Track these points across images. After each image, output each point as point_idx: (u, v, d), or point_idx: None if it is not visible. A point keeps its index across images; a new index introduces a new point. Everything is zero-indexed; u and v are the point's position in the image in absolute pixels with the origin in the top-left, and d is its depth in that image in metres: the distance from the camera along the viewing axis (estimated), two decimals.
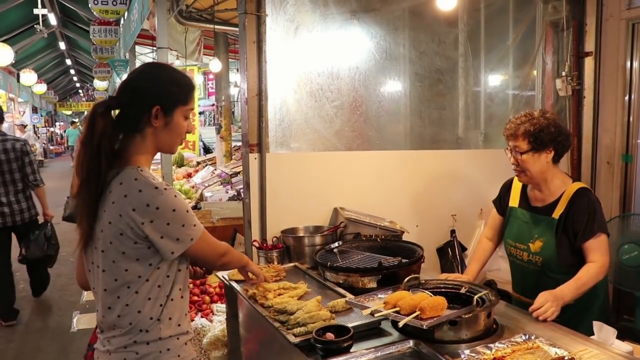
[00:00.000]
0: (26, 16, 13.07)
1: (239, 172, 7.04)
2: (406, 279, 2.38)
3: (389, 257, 2.82)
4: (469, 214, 4.02)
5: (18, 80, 17.58)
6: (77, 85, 33.49)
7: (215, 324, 3.66)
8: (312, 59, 3.51)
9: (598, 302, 2.69)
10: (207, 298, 4.37)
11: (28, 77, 16.79)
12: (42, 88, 20.57)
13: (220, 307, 3.99)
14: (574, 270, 2.54)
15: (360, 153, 3.70)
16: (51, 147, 30.43)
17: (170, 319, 1.87)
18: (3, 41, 12.32)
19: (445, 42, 4.09)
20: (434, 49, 4.03)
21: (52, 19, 13.35)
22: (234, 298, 3.03)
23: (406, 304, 2.05)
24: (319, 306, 2.27)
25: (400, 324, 1.93)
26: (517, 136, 2.61)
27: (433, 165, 3.87)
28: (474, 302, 2.15)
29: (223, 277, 2.94)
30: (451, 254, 3.93)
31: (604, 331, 2.18)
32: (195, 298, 4.40)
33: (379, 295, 2.30)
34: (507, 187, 2.94)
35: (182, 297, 1.92)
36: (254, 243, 3.24)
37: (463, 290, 2.40)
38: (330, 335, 1.98)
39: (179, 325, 1.90)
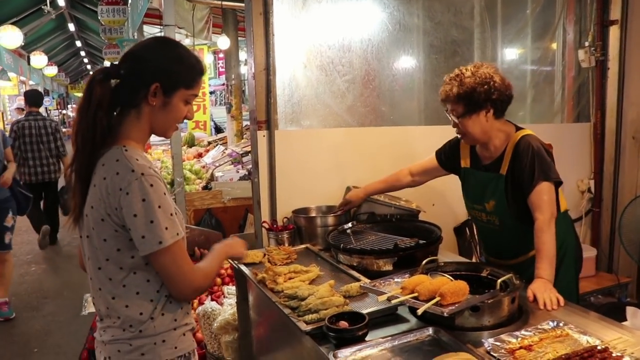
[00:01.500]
0: None
1: (249, 152, 6.90)
2: (424, 262, 2.25)
3: (405, 238, 2.68)
4: None
5: (29, 63, 17.49)
6: (88, 67, 33.36)
7: (226, 307, 3.56)
8: (322, 31, 3.34)
9: (568, 253, 2.62)
10: (219, 280, 4.29)
11: (38, 59, 16.67)
12: (53, 70, 20.50)
13: (232, 290, 3.89)
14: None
15: (373, 129, 3.55)
16: (63, 130, 30.43)
17: (163, 314, 1.71)
18: (12, 23, 12.19)
19: (462, 12, 3.89)
20: (449, 19, 3.83)
21: (60, 0, 13.19)
22: (243, 281, 2.92)
23: (425, 289, 1.91)
24: (332, 291, 2.14)
25: (420, 311, 1.80)
26: (450, 100, 2.47)
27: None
28: (497, 287, 2.00)
29: (231, 260, 2.82)
30: (469, 234, 3.79)
31: (638, 317, 2.03)
32: None
33: (396, 279, 2.17)
34: (455, 145, 2.80)
35: None
36: (264, 224, 3.12)
37: (484, 274, 2.26)
38: (343, 324, 1.86)
39: (175, 320, 1.75)
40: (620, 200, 4.30)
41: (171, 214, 1.62)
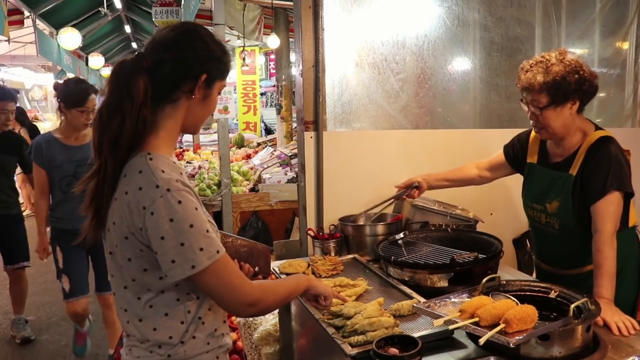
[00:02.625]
0: (93, 1, 13.20)
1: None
2: (484, 280, 2.02)
3: (462, 252, 2.45)
4: None
5: (87, 64, 17.95)
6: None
7: (268, 316, 3.40)
8: (375, 27, 3.12)
9: (629, 274, 2.36)
10: None
11: (96, 60, 17.11)
12: (108, 71, 21.00)
13: None
14: None
15: (428, 132, 3.30)
16: None
17: (194, 337, 1.53)
18: (72, 26, 12.50)
19: (525, 7, 3.60)
20: (512, 14, 3.54)
21: (117, 2, 13.45)
22: None
23: (487, 313, 1.68)
24: (381, 310, 1.93)
25: (482, 341, 1.57)
26: (532, 89, 2.21)
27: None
28: (571, 313, 1.75)
29: (274, 269, 2.65)
30: (529, 246, 3.49)
31: None
32: None
33: (452, 299, 1.94)
34: (524, 140, 2.58)
35: (213, 312, 1.59)
36: (309, 232, 2.93)
37: (553, 295, 2.01)
38: (394, 350, 1.64)
39: (208, 343, 1.57)
40: None
41: (207, 231, 1.42)
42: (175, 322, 1.51)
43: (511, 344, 1.56)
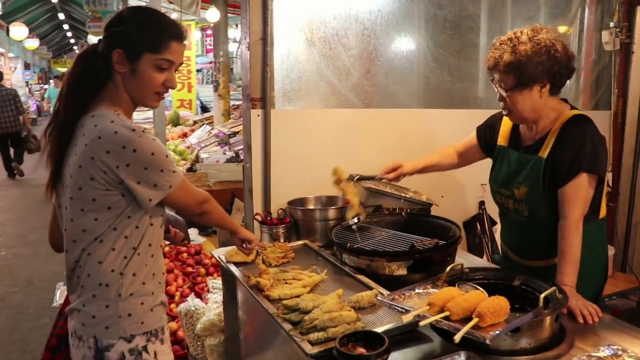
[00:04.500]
0: None
1: (237, 132, 6.61)
2: (448, 269, 1.91)
3: (419, 237, 2.34)
4: None
5: (7, 34, 16.83)
6: (72, 41, 32.54)
7: (211, 304, 3.21)
8: None
9: (596, 268, 2.29)
10: (202, 270, 3.96)
11: (18, 30, 16.05)
12: (34, 43, 19.84)
13: (216, 284, 3.55)
14: None
15: (380, 111, 3.17)
16: (45, 105, 29.66)
17: (134, 275, 1.71)
18: None
19: None
20: None
21: None
22: (231, 279, 2.57)
23: (458, 307, 1.57)
24: (341, 303, 1.79)
25: (457, 338, 1.45)
26: (498, 69, 2.05)
27: (462, 126, 3.29)
28: (541, 303, 1.67)
29: (220, 257, 2.46)
30: (479, 229, 3.47)
31: None
32: (190, 269, 4.01)
33: (417, 290, 1.82)
34: (497, 121, 2.42)
35: (152, 255, 1.76)
36: (257, 216, 2.75)
37: (517, 283, 1.93)
38: (360, 350, 1.51)
39: (144, 283, 1.73)
40: (639, 195, 4.00)
41: (168, 156, 1.68)
42: (119, 257, 1.69)
43: (487, 340, 1.45)
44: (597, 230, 2.23)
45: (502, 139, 2.36)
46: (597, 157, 2.05)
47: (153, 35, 1.68)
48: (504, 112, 2.21)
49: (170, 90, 1.81)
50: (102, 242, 1.67)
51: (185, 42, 1.77)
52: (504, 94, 2.08)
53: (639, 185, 4.01)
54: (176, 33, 1.72)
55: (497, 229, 3.54)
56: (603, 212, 2.25)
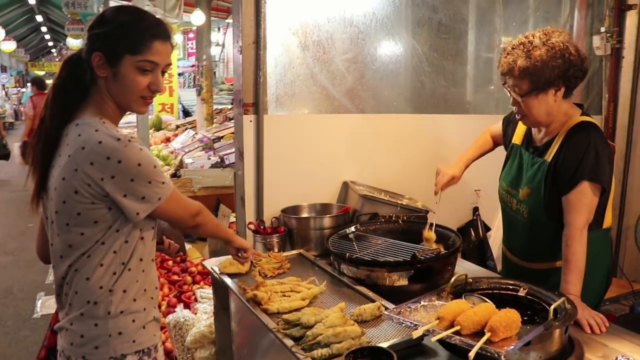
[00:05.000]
0: None
1: (222, 137, 6.51)
2: (453, 279, 1.85)
3: (419, 246, 2.29)
4: (495, 189, 3.46)
5: None
6: (50, 44, 32.09)
7: (200, 315, 3.12)
8: (322, 1, 2.88)
9: (599, 278, 2.27)
10: (189, 278, 3.86)
11: None
12: (10, 45, 19.50)
13: (205, 293, 3.45)
14: None
15: (374, 116, 3.11)
16: (22, 109, 29.18)
17: (124, 291, 1.61)
18: None
19: None
20: None
21: None
22: (224, 292, 2.49)
23: (469, 321, 1.51)
24: (344, 317, 1.72)
25: (472, 355, 1.39)
26: (513, 74, 2.03)
27: (457, 132, 3.28)
28: (551, 315, 1.62)
29: (213, 268, 2.38)
30: (474, 235, 3.42)
31: None
32: (176, 277, 3.91)
33: (422, 303, 1.75)
34: (514, 119, 2.36)
35: (143, 270, 1.67)
36: (250, 225, 2.67)
37: (522, 293, 1.88)
38: None
39: (135, 300, 1.63)
40: (629, 200, 4.00)
41: (156, 167, 1.59)
42: (108, 273, 1.59)
43: (502, 356, 1.39)
44: (599, 240, 2.19)
45: (517, 137, 2.34)
46: (599, 165, 2.01)
47: (133, 36, 1.58)
48: (517, 117, 2.18)
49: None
50: (89, 257, 1.58)
51: (172, 42, 1.66)
52: (518, 99, 2.05)
53: (630, 189, 4.00)
54: (159, 32, 1.61)
55: (491, 235, 3.52)
56: (608, 222, 2.21)
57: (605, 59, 3.89)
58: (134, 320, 1.62)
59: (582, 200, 2.02)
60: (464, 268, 2.40)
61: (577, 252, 1.98)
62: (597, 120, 3.88)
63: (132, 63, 1.57)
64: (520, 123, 2.31)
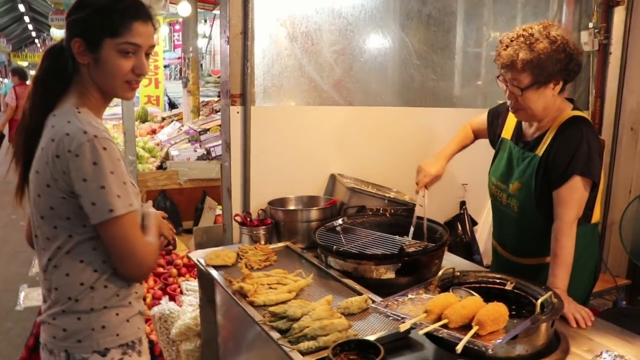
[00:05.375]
0: None
1: (208, 129, 6.47)
2: (440, 273, 1.84)
3: (407, 239, 2.28)
4: (482, 183, 3.47)
5: None
6: (33, 34, 31.65)
7: (186, 307, 3.09)
8: None
9: (588, 274, 2.28)
10: (174, 270, 3.83)
11: None
12: None
13: (190, 285, 3.42)
14: None
15: (362, 109, 3.09)
16: (2, 100, 28.78)
17: (106, 287, 1.56)
18: None
19: None
20: None
21: None
22: (210, 284, 2.47)
23: (457, 314, 1.50)
24: (331, 310, 1.71)
25: (459, 348, 1.38)
26: (514, 67, 1.99)
27: (445, 125, 3.25)
28: (538, 309, 1.62)
29: (198, 260, 2.36)
30: (461, 229, 3.43)
31: None
32: (161, 270, 3.87)
33: (410, 296, 1.75)
34: (504, 110, 2.34)
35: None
36: (236, 218, 2.65)
37: (509, 287, 1.88)
38: (354, 359, 1.43)
39: (118, 295, 1.58)
40: (614, 195, 4.04)
41: (124, 183, 1.48)
42: (89, 269, 1.54)
43: (490, 350, 1.39)
44: (588, 234, 2.19)
45: (507, 131, 2.31)
46: (591, 160, 2.01)
47: (111, 18, 1.51)
48: (511, 110, 2.15)
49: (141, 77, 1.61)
50: (68, 253, 1.53)
51: (154, 23, 1.59)
52: (518, 93, 2.02)
53: (615, 185, 4.03)
54: (139, 13, 1.54)
55: (478, 229, 3.52)
56: (596, 216, 2.22)
57: (592, 54, 3.91)
58: (117, 314, 1.58)
59: (572, 195, 2.01)
60: (451, 262, 2.39)
61: (566, 247, 1.98)
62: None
63: (113, 47, 1.52)
64: (509, 117, 2.30)
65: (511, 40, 2.00)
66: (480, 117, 2.52)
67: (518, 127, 2.28)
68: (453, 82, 3.50)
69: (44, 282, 1.61)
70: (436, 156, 2.47)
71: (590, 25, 3.79)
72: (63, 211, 1.50)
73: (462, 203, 3.50)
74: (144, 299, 3.44)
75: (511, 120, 2.31)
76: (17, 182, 1.62)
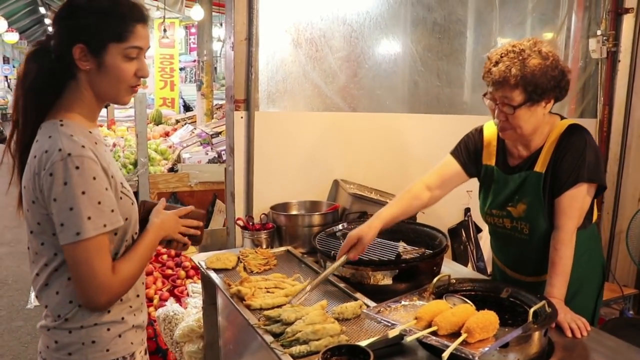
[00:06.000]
0: None
1: (220, 132, 6.54)
2: (435, 280, 1.86)
3: (405, 246, 2.30)
4: None
5: None
6: None
7: (190, 309, 3.14)
8: None
9: (593, 278, 2.22)
10: (182, 272, 3.88)
11: None
12: (13, 37, 19.52)
13: (197, 287, 3.47)
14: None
15: (366, 115, 3.11)
16: None
17: None
18: None
19: None
20: None
21: None
22: (212, 287, 2.50)
23: (446, 321, 1.52)
24: (325, 315, 1.73)
25: (445, 356, 1.39)
26: (506, 84, 1.90)
27: (448, 131, 3.24)
28: (530, 317, 1.62)
29: (200, 263, 2.39)
30: (465, 236, 3.42)
31: None
32: (169, 272, 3.93)
33: (403, 302, 1.76)
34: (476, 142, 2.24)
35: None
36: (238, 221, 2.68)
37: (504, 295, 1.89)
38: None
39: (109, 311, 1.52)
40: (622, 204, 4.01)
41: (99, 202, 1.40)
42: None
43: (476, 358, 1.40)
44: (593, 235, 2.19)
45: (488, 157, 2.22)
46: (599, 165, 2.00)
47: (115, 22, 1.48)
48: (499, 130, 2.06)
49: (143, 80, 1.58)
50: (56, 271, 1.48)
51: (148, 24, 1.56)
52: (510, 111, 1.94)
53: (623, 193, 4.00)
54: (140, 16, 1.51)
55: (483, 236, 3.52)
56: (595, 215, 2.20)
57: (601, 62, 3.89)
58: (108, 329, 1.53)
59: (573, 204, 1.99)
60: (454, 270, 2.38)
61: (565, 257, 1.95)
62: (592, 123, 3.93)
63: (118, 52, 1.48)
64: (485, 144, 2.22)
65: (501, 56, 1.93)
66: (441, 167, 2.29)
67: (501, 152, 2.19)
68: (460, 88, 3.50)
69: (37, 294, 1.56)
70: (374, 217, 2.18)
71: (599, 32, 3.78)
72: (48, 228, 1.45)
73: (467, 210, 3.49)
74: (152, 300, 3.50)
75: (489, 146, 2.21)
76: (19, 192, 1.57)
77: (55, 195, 1.37)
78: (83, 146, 1.40)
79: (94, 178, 1.40)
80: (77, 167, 1.37)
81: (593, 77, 3.96)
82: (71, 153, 1.38)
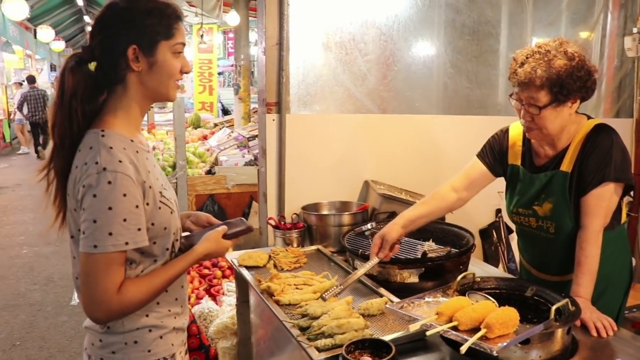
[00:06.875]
0: None
1: (256, 135, 6.60)
2: (459, 278, 1.89)
3: (432, 245, 2.33)
4: None
5: (35, 37, 17.11)
6: None
7: (225, 307, 3.23)
8: (344, 3, 2.95)
9: (622, 279, 2.20)
10: (219, 272, 3.97)
11: (45, 33, 16.27)
12: (60, 45, 20.11)
13: (232, 286, 3.55)
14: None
15: (396, 117, 3.16)
16: None
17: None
18: None
19: None
20: None
21: None
22: (245, 284, 2.57)
23: (467, 317, 1.55)
24: (350, 310, 1.78)
25: (464, 349, 1.43)
26: (532, 85, 1.91)
27: (479, 133, 3.27)
28: (552, 315, 1.64)
29: (232, 261, 2.48)
30: (496, 237, 3.42)
31: None
32: (206, 271, 4.02)
33: (426, 299, 1.80)
34: (502, 143, 2.26)
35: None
36: (270, 221, 2.76)
37: (529, 293, 1.90)
38: (366, 357, 1.50)
39: (147, 315, 1.56)
40: None
41: (124, 220, 1.40)
42: None
43: (494, 352, 1.43)
44: (620, 237, 2.18)
45: (513, 157, 2.24)
46: (626, 164, 1.99)
47: (162, 21, 1.52)
48: (525, 130, 2.08)
49: (181, 84, 1.64)
50: None
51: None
52: (535, 112, 1.95)
53: None
54: (178, 13, 1.57)
55: (514, 237, 3.50)
56: (624, 216, 2.19)
57: (637, 60, 3.83)
58: (150, 330, 1.57)
59: (599, 203, 1.99)
60: (483, 270, 2.41)
61: (591, 255, 1.95)
62: (629, 123, 3.87)
63: (168, 49, 1.53)
64: (510, 144, 2.24)
65: (527, 57, 1.94)
66: (468, 169, 2.32)
67: (527, 150, 2.20)
68: (491, 89, 3.50)
69: (78, 296, 1.56)
70: (399, 217, 2.24)
71: (635, 30, 3.71)
72: None
73: (498, 210, 3.49)
74: (189, 299, 3.61)
75: (515, 146, 2.23)
76: (58, 213, 1.59)
77: (85, 205, 1.40)
78: (120, 161, 1.42)
79: (125, 195, 1.41)
80: (110, 182, 1.39)
81: (629, 75, 3.90)
82: (106, 167, 1.40)
